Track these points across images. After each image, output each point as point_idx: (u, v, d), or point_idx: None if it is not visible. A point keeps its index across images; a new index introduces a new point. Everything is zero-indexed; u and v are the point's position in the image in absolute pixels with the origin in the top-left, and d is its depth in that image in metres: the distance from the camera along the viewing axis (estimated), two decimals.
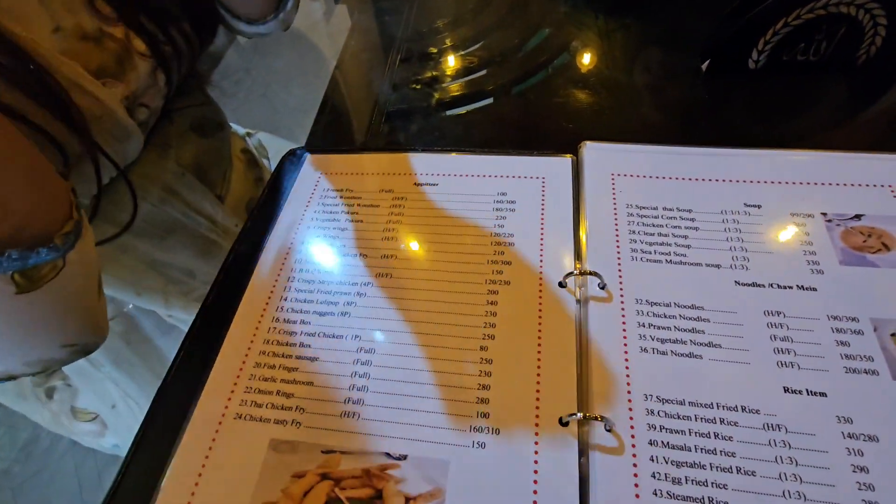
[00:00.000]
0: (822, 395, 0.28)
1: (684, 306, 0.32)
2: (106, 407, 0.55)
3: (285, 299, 0.36)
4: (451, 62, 0.63)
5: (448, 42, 0.66)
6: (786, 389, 0.28)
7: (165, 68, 0.44)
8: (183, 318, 0.55)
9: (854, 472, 0.25)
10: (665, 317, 0.32)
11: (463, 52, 0.64)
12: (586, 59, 0.57)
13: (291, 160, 0.47)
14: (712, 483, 0.26)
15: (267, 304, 0.36)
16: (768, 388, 0.28)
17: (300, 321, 0.35)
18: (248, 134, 0.73)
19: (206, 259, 0.52)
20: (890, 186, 0.35)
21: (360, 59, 0.68)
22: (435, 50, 0.67)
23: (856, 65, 0.46)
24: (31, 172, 0.26)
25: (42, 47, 0.33)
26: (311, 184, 0.44)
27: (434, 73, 0.62)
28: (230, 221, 0.54)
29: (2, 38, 0.31)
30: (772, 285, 0.32)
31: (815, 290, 0.31)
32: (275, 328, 0.35)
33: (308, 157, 0.46)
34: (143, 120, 0.43)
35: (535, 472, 0.27)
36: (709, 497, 0.25)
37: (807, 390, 0.28)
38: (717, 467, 0.26)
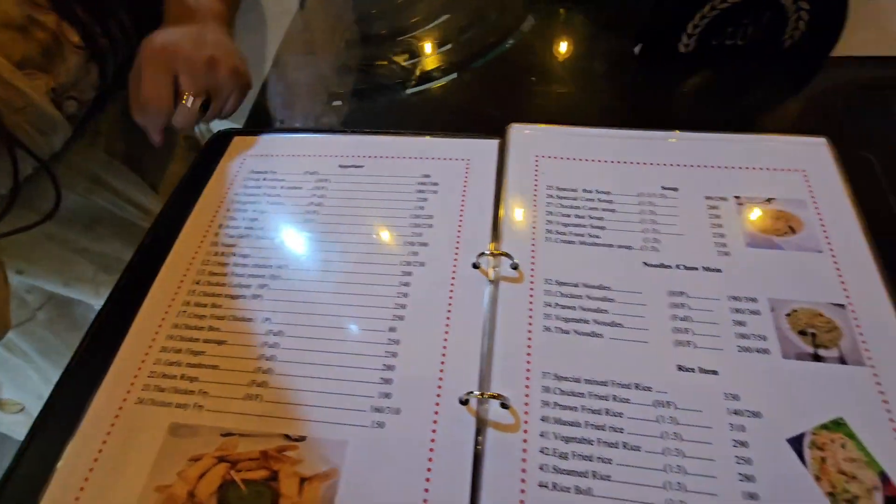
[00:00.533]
0: (714, 372, 0.28)
1: (591, 286, 0.32)
2: (32, 398, 0.54)
3: (198, 282, 0.36)
4: (397, 46, 0.62)
5: (395, 26, 0.65)
6: (680, 367, 0.29)
7: (99, 61, 0.43)
8: None
9: (734, 446, 0.26)
10: (571, 297, 0.32)
11: (408, 36, 0.63)
12: (526, 45, 0.57)
13: (219, 142, 0.46)
14: (597, 458, 0.26)
15: (179, 286, 0.36)
16: (663, 366, 0.29)
17: (211, 304, 0.35)
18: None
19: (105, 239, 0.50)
20: (803, 171, 0.36)
21: (304, 42, 0.67)
22: (384, 32, 0.66)
23: (782, 49, 0.46)
24: None
25: None
26: (235, 166, 0.43)
27: (380, 56, 0.61)
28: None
29: None
30: (678, 266, 0.32)
31: (719, 271, 0.32)
32: (185, 311, 0.34)
33: (234, 139, 0.45)
34: (72, 112, 0.42)
35: (432, 450, 0.28)
36: (592, 471, 0.26)
37: (699, 368, 0.29)
38: (603, 442, 0.27)
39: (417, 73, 0.57)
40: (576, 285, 0.32)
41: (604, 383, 0.28)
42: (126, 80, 0.42)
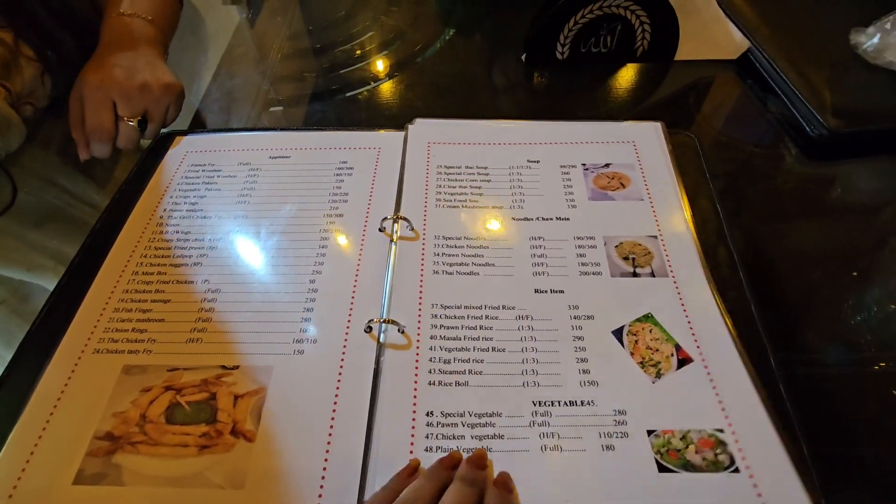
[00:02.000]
0: (561, 291, 0.37)
1: (471, 238, 0.40)
2: None
3: (145, 255, 0.42)
4: (327, 58, 0.70)
5: (326, 41, 0.73)
6: (536, 290, 0.37)
7: (52, 73, 0.48)
8: None
9: (573, 340, 0.35)
10: (455, 248, 0.40)
11: (337, 50, 0.71)
12: (437, 55, 0.66)
13: (163, 143, 0.52)
14: (473, 360, 0.34)
15: (129, 259, 0.41)
16: (524, 291, 0.37)
17: (157, 272, 0.41)
18: None
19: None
20: (634, 143, 0.46)
21: (243, 55, 0.74)
22: (317, 46, 0.74)
23: (636, 55, 0.57)
24: None
25: None
26: (177, 160, 0.49)
27: (312, 67, 0.68)
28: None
29: None
30: (538, 218, 0.41)
31: (567, 219, 0.41)
32: (134, 279, 0.40)
33: (177, 138, 0.51)
34: (27, 116, 0.47)
35: (341, 369, 0.35)
36: (469, 370, 0.34)
37: (550, 289, 0.37)
38: (477, 349, 0.35)
39: (346, 81, 0.65)
40: (458, 238, 0.40)
41: (479, 307, 0.36)
42: None
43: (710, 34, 0.58)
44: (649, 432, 0.30)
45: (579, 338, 0.35)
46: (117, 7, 0.50)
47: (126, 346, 0.37)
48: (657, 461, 0.29)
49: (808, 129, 0.49)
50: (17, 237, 0.51)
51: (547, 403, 0.32)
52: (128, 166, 0.63)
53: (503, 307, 0.37)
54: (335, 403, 0.33)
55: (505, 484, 0.28)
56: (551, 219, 0.41)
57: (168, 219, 0.44)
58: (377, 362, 0.35)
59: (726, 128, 0.52)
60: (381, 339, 0.36)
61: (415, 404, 0.32)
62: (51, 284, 0.55)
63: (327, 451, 0.31)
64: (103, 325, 0.38)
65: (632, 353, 0.34)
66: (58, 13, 0.48)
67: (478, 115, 0.52)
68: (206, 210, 0.45)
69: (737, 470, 0.28)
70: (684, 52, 0.57)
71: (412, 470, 0.29)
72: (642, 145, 0.46)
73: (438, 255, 0.40)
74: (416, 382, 0.33)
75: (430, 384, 0.33)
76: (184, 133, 0.52)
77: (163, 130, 0.53)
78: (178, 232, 0.43)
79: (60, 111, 0.53)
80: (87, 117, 0.46)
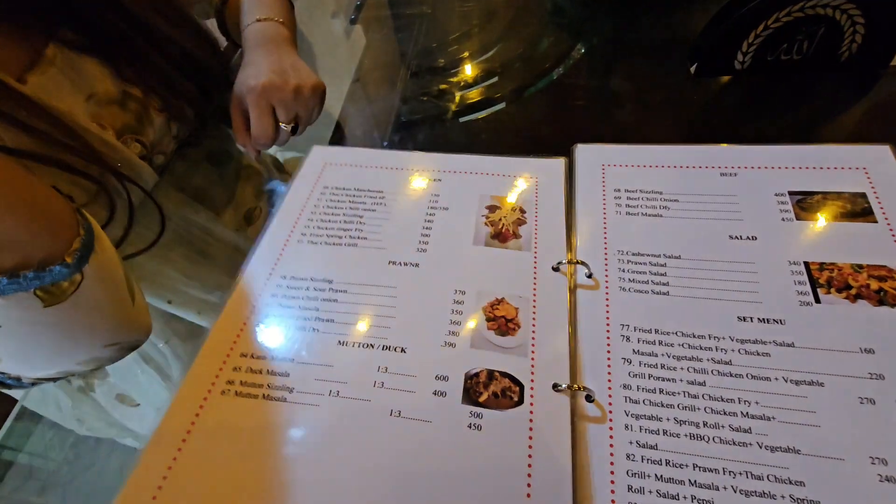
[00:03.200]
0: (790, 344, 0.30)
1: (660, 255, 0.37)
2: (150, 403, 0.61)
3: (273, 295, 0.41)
4: (458, 75, 0.67)
5: (455, 56, 0.71)
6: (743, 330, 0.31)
7: (178, 120, 0.51)
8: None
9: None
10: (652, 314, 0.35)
11: (469, 65, 0.68)
12: (583, 69, 0.61)
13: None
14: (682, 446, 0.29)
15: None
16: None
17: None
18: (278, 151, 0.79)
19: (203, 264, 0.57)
20: (864, 168, 0.38)
21: (373, 76, 0.73)
22: (443, 62, 0.71)
23: (839, 62, 0.48)
24: (31, 205, 0.29)
25: (77, 115, 0.40)
26: (319, 181, 0.48)
27: (442, 86, 0.66)
28: (226, 234, 0.59)
29: (44, 113, 0.38)
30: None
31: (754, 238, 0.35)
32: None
33: (314, 149, 0.51)
34: (159, 164, 0.50)
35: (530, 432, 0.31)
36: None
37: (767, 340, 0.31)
38: (690, 435, 0.29)
39: (476, 100, 0.61)
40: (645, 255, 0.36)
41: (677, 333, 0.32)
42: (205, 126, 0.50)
43: None
44: None
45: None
46: (253, 14, 0.53)
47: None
48: None
49: None
50: (169, 267, 0.54)
51: None
52: (245, 191, 0.65)
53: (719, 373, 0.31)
54: (529, 476, 0.29)
55: None
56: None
57: (310, 232, 0.43)
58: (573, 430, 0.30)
59: None
60: (572, 407, 0.31)
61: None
62: (192, 314, 0.57)
63: None
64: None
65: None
66: (180, 62, 0.50)
67: (641, 138, 0.45)
68: (349, 230, 0.43)
69: None
70: None
71: None
72: (876, 173, 0.37)
73: (627, 313, 0.34)
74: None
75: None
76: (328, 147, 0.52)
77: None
78: (322, 244, 0.42)
79: (184, 152, 0.55)
80: (253, 125, 0.48)
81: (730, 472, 0.28)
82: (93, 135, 0.42)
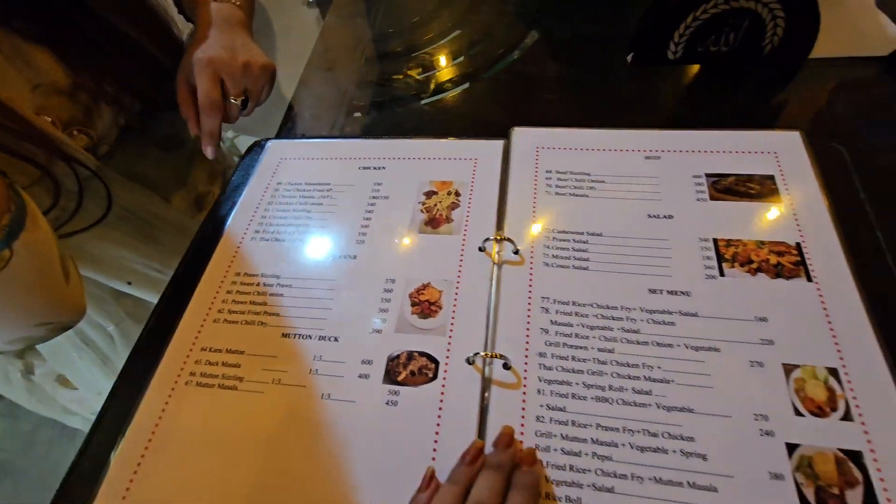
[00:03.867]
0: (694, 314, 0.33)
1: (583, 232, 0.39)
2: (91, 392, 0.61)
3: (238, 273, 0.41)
4: (413, 60, 0.68)
5: (411, 42, 0.71)
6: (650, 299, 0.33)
7: (127, 112, 0.51)
8: None
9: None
10: (569, 278, 0.36)
11: (424, 51, 0.69)
12: (534, 57, 0.62)
13: (255, 150, 0.52)
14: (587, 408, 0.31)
15: (224, 276, 0.41)
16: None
17: (253, 291, 0.40)
18: (236, 137, 0.79)
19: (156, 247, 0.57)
20: (775, 153, 0.40)
21: (329, 60, 0.73)
22: (399, 48, 0.72)
23: (763, 54, 0.50)
24: None
25: (19, 104, 0.40)
26: (271, 169, 0.49)
27: (397, 72, 0.67)
28: (177, 217, 0.59)
29: None
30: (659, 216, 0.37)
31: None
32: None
33: (270, 144, 0.51)
34: (103, 154, 0.50)
35: (441, 402, 0.32)
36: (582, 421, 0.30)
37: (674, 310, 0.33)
38: (595, 398, 0.31)
39: (431, 85, 0.62)
40: (571, 267, 0.37)
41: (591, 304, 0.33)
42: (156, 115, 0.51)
43: (855, 28, 0.50)
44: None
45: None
46: None
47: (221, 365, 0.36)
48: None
49: None
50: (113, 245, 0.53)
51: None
52: (199, 177, 0.64)
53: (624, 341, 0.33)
54: (436, 443, 0.31)
55: (531, 456, 0.29)
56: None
57: (263, 229, 0.44)
58: (483, 398, 0.32)
59: (878, 138, 0.45)
60: (485, 374, 0.33)
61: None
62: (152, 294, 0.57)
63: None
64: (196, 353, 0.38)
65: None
66: (135, 55, 0.50)
67: (579, 122, 0.47)
68: (297, 225, 0.44)
69: None
70: (822, 49, 0.50)
71: (430, 477, 0.29)
72: (784, 157, 0.40)
73: (549, 287, 0.36)
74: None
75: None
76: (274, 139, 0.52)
77: (252, 139, 0.53)
78: (273, 240, 0.43)
79: (130, 138, 0.55)
80: (200, 94, 0.48)
81: (629, 430, 0.30)
82: (33, 125, 0.41)
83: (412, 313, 0.37)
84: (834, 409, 0.29)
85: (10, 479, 1.14)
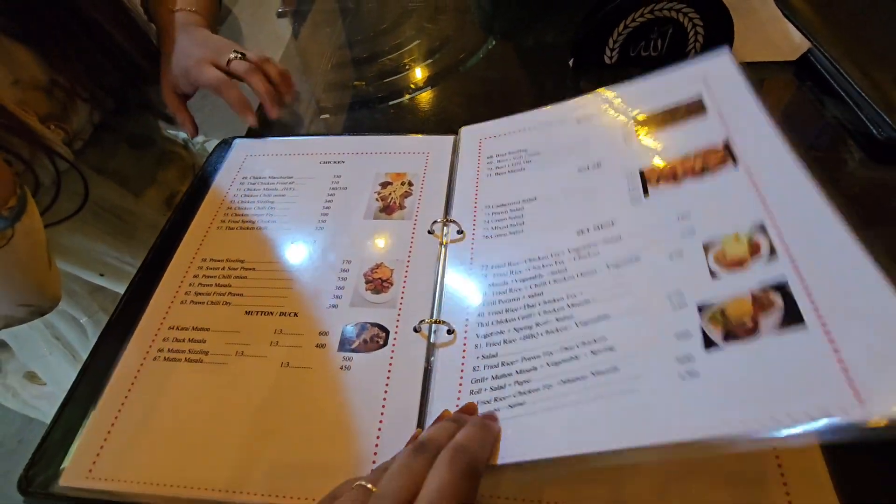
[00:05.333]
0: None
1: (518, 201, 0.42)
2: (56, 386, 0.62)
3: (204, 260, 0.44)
4: (378, 65, 0.72)
5: (374, 50, 0.76)
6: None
7: (101, 109, 0.54)
8: None
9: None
10: (503, 247, 0.40)
11: (386, 59, 0.73)
12: (483, 62, 0.67)
13: (222, 147, 0.55)
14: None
15: (191, 263, 0.44)
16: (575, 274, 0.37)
17: (220, 275, 0.43)
18: (206, 140, 0.82)
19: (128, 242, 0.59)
20: None
21: (296, 65, 0.77)
22: (365, 55, 0.76)
23: (688, 58, 0.56)
24: None
25: (2, 98, 0.42)
26: (236, 165, 0.52)
27: (360, 78, 0.71)
28: (148, 214, 0.61)
29: None
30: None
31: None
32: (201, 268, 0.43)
33: (237, 142, 0.54)
34: (78, 148, 0.52)
35: (390, 365, 0.36)
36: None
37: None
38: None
39: (394, 88, 0.66)
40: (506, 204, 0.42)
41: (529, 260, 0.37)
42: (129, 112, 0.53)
43: (766, 35, 0.56)
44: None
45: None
46: (165, 4, 0.55)
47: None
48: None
49: (874, 131, 0.47)
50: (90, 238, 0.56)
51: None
52: (170, 176, 0.67)
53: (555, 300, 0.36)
54: (384, 401, 0.34)
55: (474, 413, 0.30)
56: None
57: (229, 218, 0.47)
58: (427, 361, 0.36)
59: (786, 132, 0.50)
60: (431, 339, 0.37)
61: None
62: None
63: (377, 442, 0.32)
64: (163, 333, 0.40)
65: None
66: (112, 55, 0.53)
67: None
68: (261, 215, 0.47)
69: None
70: (739, 55, 0.55)
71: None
72: (712, 75, 0.41)
73: (487, 255, 0.40)
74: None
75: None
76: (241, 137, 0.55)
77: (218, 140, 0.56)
78: (238, 228, 0.46)
79: (102, 136, 0.57)
80: (211, 85, 0.51)
81: (548, 353, 0.31)
82: (18, 118, 0.44)
83: (366, 290, 0.40)
84: (756, 254, 0.28)
85: None
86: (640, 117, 0.41)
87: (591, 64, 0.58)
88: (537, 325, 0.34)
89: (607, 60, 0.57)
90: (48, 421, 0.36)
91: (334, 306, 0.40)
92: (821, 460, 0.28)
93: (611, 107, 0.44)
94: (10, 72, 0.45)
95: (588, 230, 0.37)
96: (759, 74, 0.55)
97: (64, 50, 0.48)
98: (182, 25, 0.54)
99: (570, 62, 0.59)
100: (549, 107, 0.48)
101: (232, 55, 0.51)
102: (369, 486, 0.23)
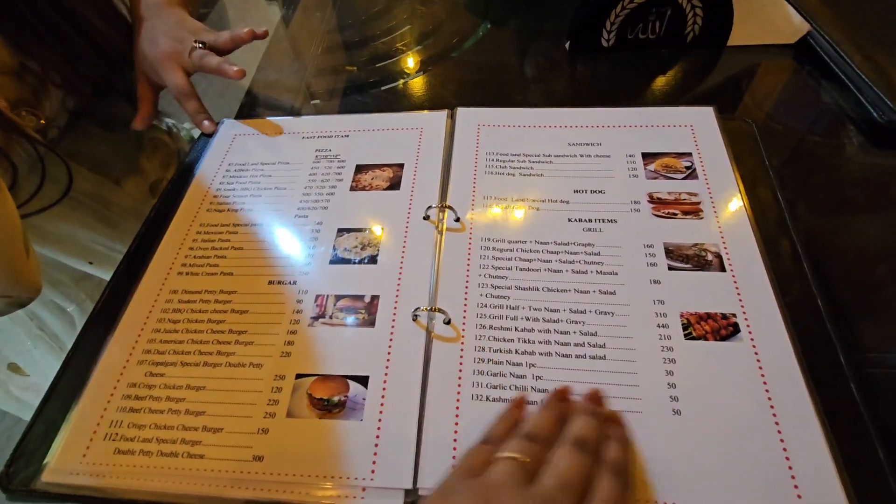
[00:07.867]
0: (613, 292, 0.36)
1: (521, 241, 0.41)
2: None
3: (192, 247, 0.43)
4: (370, 49, 0.70)
5: (365, 34, 0.73)
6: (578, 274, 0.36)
7: (75, 95, 0.51)
8: None
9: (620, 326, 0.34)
10: (505, 249, 0.39)
11: (377, 43, 0.71)
12: (477, 46, 0.66)
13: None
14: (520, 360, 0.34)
15: (182, 243, 0.43)
16: (575, 283, 0.36)
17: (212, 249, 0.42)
18: (193, 126, 0.79)
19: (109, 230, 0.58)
20: (690, 126, 0.44)
21: (286, 49, 0.75)
22: (357, 40, 0.74)
23: (686, 42, 0.55)
24: None
25: None
26: (225, 145, 0.50)
27: (352, 61, 0.69)
28: (130, 202, 0.59)
29: None
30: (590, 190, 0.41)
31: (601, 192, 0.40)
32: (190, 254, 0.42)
33: (226, 122, 0.53)
34: (53, 137, 0.50)
35: (389, 353, 0.35)
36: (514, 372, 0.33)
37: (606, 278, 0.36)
38: (524, 352, 0.34)
39: (386, 73, 0.65)
40: (506, 240, 0.40)
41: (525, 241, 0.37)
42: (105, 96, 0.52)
43: (766, 18, 0.55)
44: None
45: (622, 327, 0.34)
46: None
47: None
48: None
49: (875, 114, 0.47)
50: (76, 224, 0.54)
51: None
52: (152, 163, 0.65)
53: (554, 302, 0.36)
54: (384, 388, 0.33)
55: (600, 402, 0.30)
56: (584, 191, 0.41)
57: (218, 202, 0.45)
58: (426, 350, 0.35)
59: (785, 116, 0.50)
60: (428, 327, 0.36)
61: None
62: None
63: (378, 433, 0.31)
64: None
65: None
66: (86, 39, 0.50)
67: (522, 104, 0.51)
68: (251, 196, 0.46)
69: None
70: (738, 37, 0.55)
71: (521, 403, 0.31)
72: (700, 130, 0.44)
73: (486, 249, 0.39)
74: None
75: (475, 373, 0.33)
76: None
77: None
78: (229, 210, 0.44)
79: (80, 123, 0.55)
80: (171, 89, 0.50)
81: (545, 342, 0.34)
82: None
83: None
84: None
85: None
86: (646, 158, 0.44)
87: (587, 47, 0.57)
88: (536, 309, 0.35)
89: (604, 44, 0.56)
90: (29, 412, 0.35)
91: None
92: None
93: (608, 129, 0.46)
94: None
95: (583, 220, 0.40)
96: (758, 57, 0.54)
97: (36, 33, 0.46)
98: (154, 5, 0.51)
99: (567, 45, 0.57)
100: (546, 109, 0.49)
101: (194, 43, 0.49)
102: (518, 457, 0.24)
